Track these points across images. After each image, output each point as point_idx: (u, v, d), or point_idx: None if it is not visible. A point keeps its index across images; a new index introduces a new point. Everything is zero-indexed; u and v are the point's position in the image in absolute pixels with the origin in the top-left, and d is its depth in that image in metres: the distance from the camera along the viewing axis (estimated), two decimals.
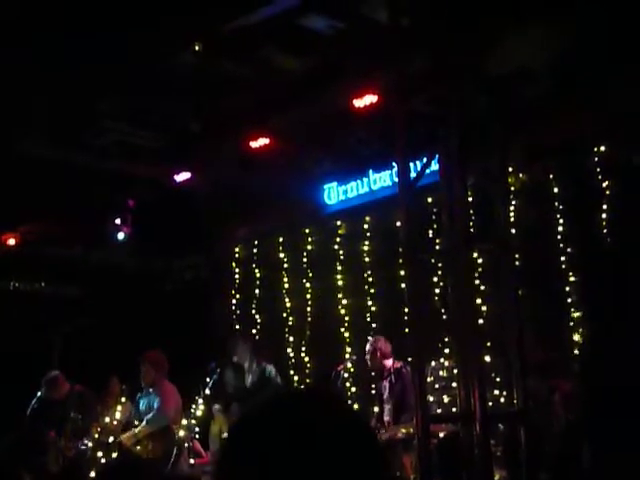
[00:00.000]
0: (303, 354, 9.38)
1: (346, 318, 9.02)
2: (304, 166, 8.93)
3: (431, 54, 5.88)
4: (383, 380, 7.19)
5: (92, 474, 7.03)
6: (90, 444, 7.47)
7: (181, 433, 7.29)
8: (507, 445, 5.77)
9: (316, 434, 1.08)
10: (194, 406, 7.69)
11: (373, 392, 7.85)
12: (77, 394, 7.69)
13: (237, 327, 9.96)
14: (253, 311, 9.98)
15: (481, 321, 6.19)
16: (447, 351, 7.43)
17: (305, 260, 9.52)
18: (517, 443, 5.36)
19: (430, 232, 7.94)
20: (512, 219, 6.20)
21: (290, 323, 9.58)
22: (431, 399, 6.64)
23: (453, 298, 5.69)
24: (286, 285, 9.68)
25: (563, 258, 7.22)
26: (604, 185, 7.00)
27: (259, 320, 9.90)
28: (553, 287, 7.23)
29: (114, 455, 7.27)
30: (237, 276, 10.26)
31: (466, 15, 5.68)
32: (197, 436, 7.90)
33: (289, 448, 1.06)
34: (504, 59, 5.99)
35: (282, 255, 9.78)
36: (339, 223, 9.29)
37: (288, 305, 9.63)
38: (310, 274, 9.46)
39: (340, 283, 9.15)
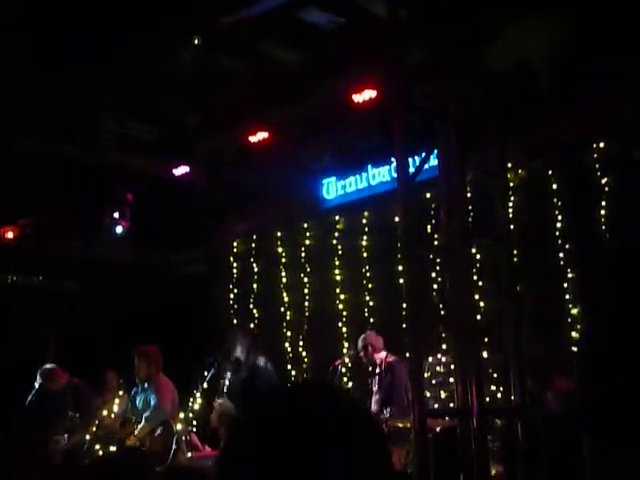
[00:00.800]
0: (301, 349, 9.38)
1: (344, 313, 9.02)
2: (303, 161, 8.91)
3: (430, 48, 5.87)
4: (372, 373, 7.22)
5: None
6: (88, 437, 7.48)
7: (179, 427, 7.30)
8: (504, 440, 5.78)
9: (318, 424, 1.07)
10: (192, 400, 7.69)
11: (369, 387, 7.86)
12: (73, 388, 7.69)
13: (235, 321, 9.96)
14: (251, 305, 9.98)
15: (479, 317, 6.18)
16: (444, 347, 7.43)
17: (303, 255, 9.52)
18: (514, 438, 5.36)
19: (428, 227, 7.93)
20: (510, 215, 6.18)
21: (288, 318, 9.58)
22: (428, 394, 6.65)
23: (451, 294, 5.68)
24: (284, 280, 9.67)
25: (561, 254, 7.21)
26: (603, 181, 6.99)
27: (257, 315, 9.90)
28: (551, 283, 7.23)
29: (112, 448, 7.28)
30: (235, 270, 10.25)
31: (465, 9, 5.67)
32: (194, 429, 7.91)
33: (290, 440, 1.06)
34: (503, 53, 5.97)
35: (280, 250, 9.77)
36: (337, 218, 9.28)
37: (286, 300, 9.62)
38: (308, 269, 9.46)
39: (338, 278, 9.14)
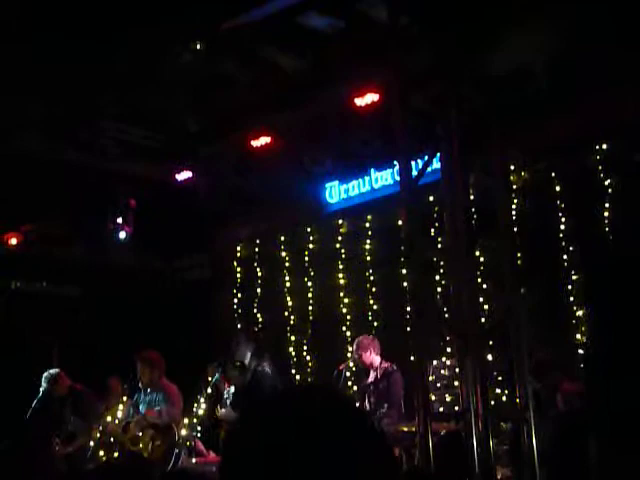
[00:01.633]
0: (305, 353, 9.38)
1: (348, 317, 9.02)
2: (305, 165, 8.92)
3: (431, 52, 5.87)
4: (368, 377, 7.19)
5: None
6: (92, 444, 7.48)
7: (183, 432, 7.29)
8: (511, 444, 5.76)
9: (319, 427, 1.08)
10: (196, 405, 7.68)
11: None
12: (76, 393, 7.69)
13: (239, 326, 9.96)
14: (255, 310, 9.97)
15: (483, 319, 6.18)
16: (449, 350, 7.42)
17: (307, 259, 9.52)
18: (520, 441, 5.35)
19: (432, 230, 7.93)
20: (514, 217, 6.18)
21: (292, 322, 9.58)
22: (433, 398, 6.63)
23: (455, 296, 5.67)
24: (288, 284, 9.67)
25: (565, 256, 7.20)
26: (606, 182, 6.98)
27: (261, 319, 9.89)
28: (555, 285, 7.22)
29: (116, 454, 7.27)
30: (239, 275, 10.25)
31: (466, 13, 5.67)
32: (199, 435, 7.90)
33: (294, 441, 1.06)
34: (504, 57, 5.97)
35: (283, 254, 9.77)
36: (341, 222, 9.28)
37: (290, 304, 9.62)
38: (312, 273, 9.46)
39: (342, 282, 9.14)
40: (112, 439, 7.45)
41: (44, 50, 6.07)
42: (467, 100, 5.76)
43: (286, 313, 9.62)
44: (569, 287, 7.15)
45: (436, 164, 5.99)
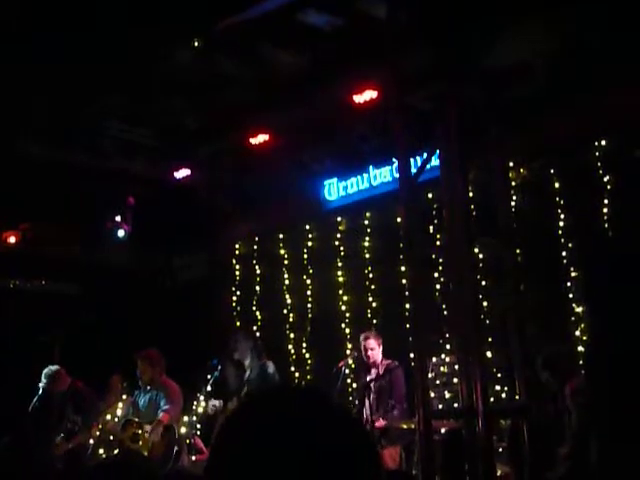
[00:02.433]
0: (304, 350, 9.37)
1: (347, 314, 9.01)
2: (304, 162, 8.91)
3: (430, 49, 5.86)
4: (369, 374, 7.16)
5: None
6: (91, 441, 7.48)
7: (182, 430, 7.29)
8: (511, 441, 5.76)
9: (305, 428, 1.08)
10: (195, 403, 7.69)
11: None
12: (75, 391, 7.68)
13: (238, 324, 9.95)
14: (254, 308, 9.97)
15: (482, 316, 6.18)
16: (448, 347, 7.42)
17: (306, 256, 9.51)
18: (520, 439, 5.35)
19: (431, 228, 7.93)
20: (513, 214, 6.18)
21: (291, 320, 9.57)
22: (432, 395, 6.63)
23: (454, 294, 5.67)
24: (287, 282, 9.67)
25: (564, 253, 7.21)
26: (605, 179, 6.98)
27: (260, 317, 9.89)
28: (554, 282, 7.22)
29: (115, 452, 7.28)
30: (238, 273, 10.24)
31: (465, 10, 5.66)
32: (198, 433, 7.90)
33: (275, 443, 1.06)
34: (504, 54, 5.97)
35: (282, 252, 9.77)
36: (339, 219, 9.27)
37: (289, 301, 9.62)
38: (311, 270, 9.45)
39: (341, 279, 9.14)
40: (111, 437, 7.46)
41: (43, 50, 6.06)
42: (466, 97, 5.75)
43: (285, 311, 9.62)
44: (568, 284, 7.15)
45: (435, 161, 5.99)
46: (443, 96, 5.67)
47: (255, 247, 10.12)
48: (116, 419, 7.66)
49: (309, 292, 9.42)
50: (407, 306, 6.66)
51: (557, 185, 7.34)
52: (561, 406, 5.68)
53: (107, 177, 8.55)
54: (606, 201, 6.94)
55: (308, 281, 9.44)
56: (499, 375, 7.07)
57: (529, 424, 5.29)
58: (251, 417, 1.12)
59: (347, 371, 7.66)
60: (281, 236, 9.79)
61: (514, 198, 7.22)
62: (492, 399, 5.89)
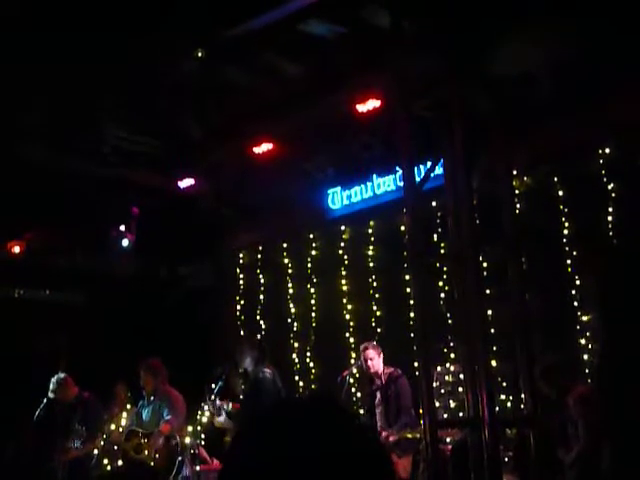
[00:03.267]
0: (308, 359, 9.36)
1: (351, 323, 8.99)
2: (308, 171, 8.92)
3: (433, 57, 5.87)
4: (374, 384, 7.14)
5: None
6: (95, 451, 7.46)
7: (187, 440, 7.27)
8: (517, 450, 5.74)
9: (318, 440, 1.07)
10: (200, 412, 7.67)
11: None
12: (83, 401, 7.66)
13: (242, 333, 9.94)
14: (258, 317, 9.96)
15: (487, 325, 6.16)
16: (453, 356, 7.40)
17: (309, 265, 9.50)
18: (526, 448, 5.32)
19: (435, 236, 7.92)
20: (518, 222, 6.16)
21: (295, 329, 9.56)
22: (437, 404, 6.60)
23: (459, 302, 5.66)
24: (290, 290, 9.66)
25: (569, 261, 7.19)
26: (609, 187, 6.97)
27: (264, 326, 9.88)
28: (559, 290, 7.20)
29: (119, 462, 7.26)
30: (241, 282, 10.24)
31: (468, 18, 5.67)
32: (203, 442, 7.88)
33: (290, 454, 1.05)
34: (507, 62, 5.97)
35: (286, 260, 9.76)
36: (343, 228, 9.27)
37: (293, 311, 9.60)
38: (314, 279, 9.44)
39: (345, 288, 9.12)
40: (115, 447, 7.44)
41: (46, 58, 6.08)
42: (470, 105, 5.75)
43: (289, 320, 9.61)
44: (573, 292, 7.12)
45: (439, 170, 5.98)
46: (447, 104, 5.67)
47: (259, 256, 10.12)
48: (120, 429, 7.65)
49: (313, 301, 9.41)
50: (412, 315, 6.64)
51: (561, 193, 7.33)
52: (563, 415, 5.66)
53: (111, 187, 8.56)
54: (610, 209, 6.93)
55: (312, 290, 9.43)
56: (504, 384, 7.04)
57: (535, 433, 5.26)
58: (265, 430, 1.11)
59: (351, 380, 7.63)
60: (285, 245, 9.79)
61: (518, 206, 7.21)
62: (497, 408, 5.85)
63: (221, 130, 7.80)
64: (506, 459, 5.94)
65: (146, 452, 7.11)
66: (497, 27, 5.77)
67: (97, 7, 5.65)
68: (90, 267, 10.00)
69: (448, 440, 6.34)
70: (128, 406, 8.10)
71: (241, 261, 10.28)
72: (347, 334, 8.95)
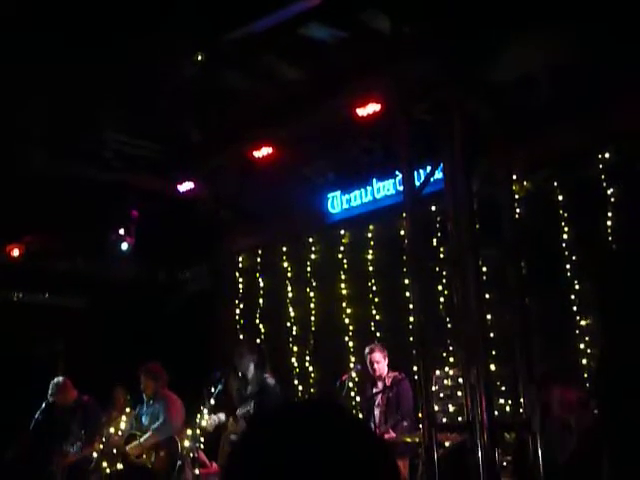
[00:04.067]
0: (307, 363, 9.35)
1: (350, 327, 8.99)
2: (307, 175, 8.92)
3: (434, 61, 5.88)
4: (375, 387, 7.13)
5: None
6: (94, 455, 7.46)
7: (186, 443, 7.27)
8: (516, 454, 5.73)
9: (322, 444, 1.07)
10: (199, 416, 7.66)
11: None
12: (83, 405, 7.66)
13: (241, 337, 9.94)
14: (257, 320, 9.96)
15: (487, 329, 6.15)
16: (452, 360, 7.40)
17: (309, 269, 9.51)
18: (525, 452, 5.32)
19: (434, 240, 7.92)
20: (517, 226, 6.17)
21: (294, 332, 9.56)
22: (436, 408, 6.60)
23: (458, 306, 5.66)
24: (290, 294, 9.66)
25: (568, 265, 7.19)
26: (609, 192, 6.98)
27: (263, 330, 9.87)
28: (559, 295, 7.20)
29: (119, 466, 7.25)
30: (241, 286, 10.24)
31: (468, 23, 5.68)
32: (202, 446, 7.87)
33: (295, 458, 1.05)
34: (507, 67, 5.98)
35: (286, 264, 9.76)
36: (343, 232, 9.27)
37: (292, 314, 9.60)
38: (314, 283, 9.44)
39: (344, 292, 9.12)
40: (114, 450, 7.43)
41: (46, 63, 6.09)
42: (470, 109, 5.76)
43: (288, 324, 9.60)
44: (572, 297, 7.13)
45: (438, 174, 5.99)
46: (447, 108, 5.68)
47: (258, 260, 10.12)
48: (120, 432, 7.64)
49: (312, 305, 9.41)
50: (411, 319, 6.64)
51: (561, 197, 7.34)
52: (558, 419, 5.66)
53: (111, 190, 8.56)
54: (609, 214, 6.93)
55: (311, 294, 9.43)
56: (503, 388, 7.04)
57: (534, 438, 5.26)
58: (268, 434, 1.11)
59: (350, 384, 7.63)
60: (284, 249, 9.79)
61: (518, 210, 7.21)
62: (496, 412, 5.85)
63: (221, 134, 7.81)
64: (504, 463, 5.93)
65: (145, 456, 7.11)
66: (497, 32, 5.78)
67: (97, 11, 5.66)
68: (89, 271, 10.01)
69: (447, 444, 6.34)
70: (127, 410, 8.10)
71: (240, 265, 10.28)
72: (346, 338, 8.95)
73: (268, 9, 5.77)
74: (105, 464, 7.42)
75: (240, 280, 10.24)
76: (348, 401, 8.04)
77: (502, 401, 7.11)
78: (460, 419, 6.68)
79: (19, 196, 7.86)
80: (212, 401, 7.51)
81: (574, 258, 7.17)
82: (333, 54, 6.45)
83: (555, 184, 7.38)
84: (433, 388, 6.60)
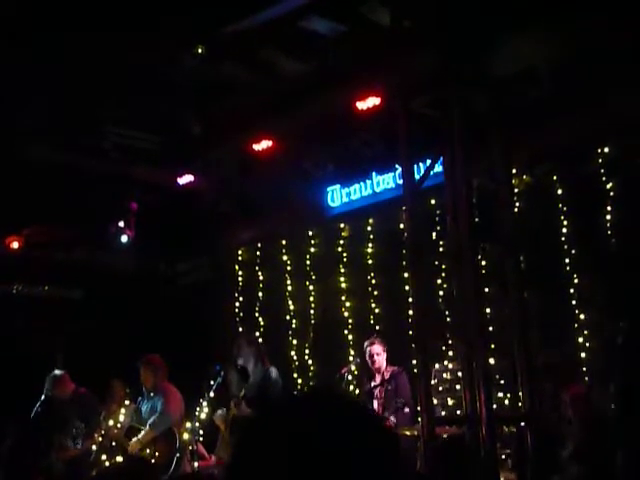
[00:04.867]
0: (307, 357, 9.37)
1: (350, 320, 9.01)
2: (307, 168, 8.92)
3: (434, 55, 5.87)
4: (373, 381, 7.14)
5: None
6: (94, 447, 7.47)
7: (185, 436, 7.28)
8: (516, 448, 5.75)
9: (333, 433, 1.07)
10: (198, 409, 7.67)
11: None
12: (80, 397, 7.68)
13: (240, 330, 9.95)
14: (256, 314, 9.97)
15: (486, 323, 6.17)
16: (451, 353, 7.41)
17: (308, 263, 9.51)
18: (524, 445, 5.34)
19: (434, 234, 7.93)
20: (516, 220, 6.17)
21: (293, 326, 9.57)
22: (435, 402, 6.62)
23: (457, 300, 5.67)
24: (289, 288, 9.67)
25: (567, 260, 7.20)
26: (608, 186, 6.98)
27: (262, 323, 9.88)
28: (558, 289, 7.21)
29: (118, 458, 7.26)
30: (240, 279, 10.24)
31: (468, 17, 5.67)
32: (201, 439, 7.88)
33: (316, 441, 1.05)
34: (507, 61, 5.97)
35: (285, 258, 9.77)
36: (342, 225, 9.27)
37: (291, 308, 9.61)
38: (313, 277, 9.45)
39: (343, 285, 9.13)
40: (114, 443, 7.44)
41: (46, 54, 6.08)
42: (470, 103, 5.76)
43: (288, 317, 9.62)
44: (571, 291, 7.14)
45: (438, 168, 5.99)
46: (446, 102, 5.68)
47: (258, 253, 10.12)
48: (118, 425, 7.65)
49: (312, 298, 9.42)
50: (410, 312, 6.65)
51: (560, 191, 7.34)
52: (559, 412, 5.67)
53: (110, 182, 8.56)
54: (609, 208, 6.94)
55: (311, 287, 9.44)
56: (502, 382, 7.06)
57: (533, 431, 5.28)
58: (279, 425, 1.11)
59: (350, 377, 7.64)
60: (284, 242, 9.80)
61: (517, 204, 7.22)
62: (495, 406, 5.86)
63: (221, 127, 7.80)
64: (503, 456, 5.95)
65: (147, 450, 7.12)
66: (497, 26, 5.77)
67: (96, 2, 5.65)
68: (89, 263, 10.01)
69: (445, 436, 6.36)
70: (126, 402, 8.10)
71: (240, 258, 10.28)
72: (346, 331, 8.97)
73: (268, 2, 5.76)
74: (104, 457, 7.43)
75: (240, 273, 10.25)
76: (347, 394, 8.05)
77: (501, 394, 7.13)
78: (459, 412, 6.70)
79: (19, 188, 7.86)
80: (211, 394, 7.52)
81: (573, 252, 7.17)
82: (333, 47, 6.44)
83: (555, 178, 7.38)
84: (432, 381, 6.61)
